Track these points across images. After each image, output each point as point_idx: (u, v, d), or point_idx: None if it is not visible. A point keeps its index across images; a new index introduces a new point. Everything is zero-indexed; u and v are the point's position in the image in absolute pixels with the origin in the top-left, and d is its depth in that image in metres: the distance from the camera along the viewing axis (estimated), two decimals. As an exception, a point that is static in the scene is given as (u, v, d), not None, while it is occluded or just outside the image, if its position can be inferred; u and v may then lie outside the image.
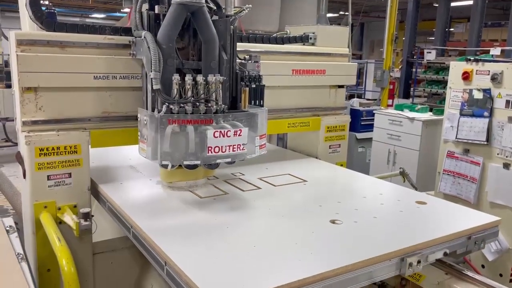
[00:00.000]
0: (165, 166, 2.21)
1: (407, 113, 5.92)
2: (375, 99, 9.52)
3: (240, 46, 2.76)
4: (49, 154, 2.37)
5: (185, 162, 2.17)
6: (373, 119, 6.39)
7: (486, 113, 3.85)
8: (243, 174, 2.87)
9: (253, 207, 2.37)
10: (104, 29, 2.55)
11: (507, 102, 3.73)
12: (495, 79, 3.79)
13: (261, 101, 2.56)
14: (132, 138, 2.65)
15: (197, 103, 2.16)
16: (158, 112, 2.14)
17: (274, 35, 3.36)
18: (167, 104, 2.14)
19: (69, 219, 2.35)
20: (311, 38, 3.36)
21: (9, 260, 1.71)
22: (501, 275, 3.81)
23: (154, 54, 2.16)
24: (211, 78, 2.21)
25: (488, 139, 3.85)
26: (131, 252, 2.80)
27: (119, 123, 2.59)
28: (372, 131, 6.41)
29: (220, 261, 1.74)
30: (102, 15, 23.82)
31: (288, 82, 3.13)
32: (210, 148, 2.10)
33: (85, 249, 2.57)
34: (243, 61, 2.60)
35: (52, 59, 2.33)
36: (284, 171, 2.99)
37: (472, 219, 2.27)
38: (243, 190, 2.60)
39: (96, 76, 2.44)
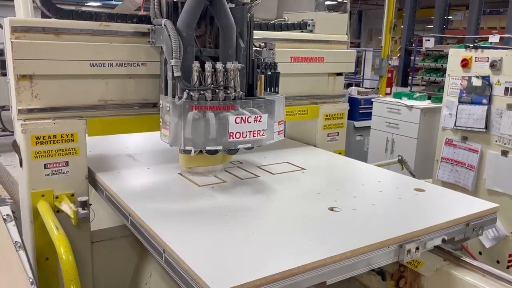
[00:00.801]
0: (188, 152, 2.25)
1: (406, 101, 5.91)
2: (373, 88, 9.50)
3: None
4: (46, 142, 2.35)
5: (207, 148, 2.21)
6: (371, 108, 6.38)
7: (484, 100, 3.84)
8: (241, 163, 2.87)
9: (252, 195, 2.37)
10: (100, 16, 2.51)
11: (506, 89, 3.72)
12: (494, 66, 3.77)
13: (276, 88, 2.58)
14: (129, 126, 2.64)
15: (217, 90, 2.21)
16: (179, 99, 2.17)
17: (272, 22, 3.33)
18: (187, 91, 2.17)
19: (67, 207, 2.34)
20: (309, 25, 3.33)
21: (7, 249, 1.71)
22: (498, 261, 3.84)
23: (175, 42, 2.20)
24: (229, 65, 2.24)
25: (486, 126, 3.84)
26: (130, 241, 2.81)
27: (116, 111, 2.58)
28: (370, 119, 6.40)
29: (219, 249, 1.74)
30: (97, 3, 23.59)
31: (286, 69, 3.09)
32: (231, 134, 2.15)
33: (83, 238, 2.57)
34: (258, 48, 2.63)
35: (47, 46, 2.30)
36: (282, 159, 2.98)
37: (471, 206, 2.27)
38: (241, 179, 2.59)
39: (92, 64, 2.41)
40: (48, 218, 2.24)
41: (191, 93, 2.17)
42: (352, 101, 7.04)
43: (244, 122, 2.17)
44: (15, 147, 2.47)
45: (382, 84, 8.99)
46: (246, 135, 2.19)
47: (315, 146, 3.45)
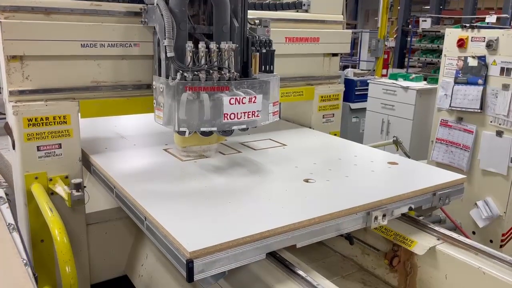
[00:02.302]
0: (183, 133, 2.26)
1: (401, 82, 5.88)
2: (370, 69, 9.45)
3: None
4: (38, 124, 2.33)
5: (201, 129, 2.21)
6: (367, 89, 6.35)
7: (480, 81, 3.83)
8: (226, 140, 2.88)
9: (232, 168, 2.46)
10: (91, -5, 2.46)
11: (502, 69, 3.69)
12: (490, 46, 3.74)
13: (272, 67, 2.57)
14: (123, 108, 2.62)
15: (211, 71, 2.19)
16: (172, 80, 2.15)
17: (267, 1, 3.28)
18: (181, 71, 2.15)
19: (61, 190, 2.34)
20: (304, 4, 3.28)
21: (0, 231, 1.70)
22: (491, 241, 3.88)
23: (168, 21, 2.17)
24: (224, 45, 2.22)
25: (482, 107, 3.84)
26: (125, 223, 2.82)
27: (109, 93, 2.55)
28: (366, 101, 6.38)
29: (196, 216, 1.84)
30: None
31: (281, 50, 3.05)
32: (226, 115, 2.15)
33: (79, 220, 2.58)
34: (253, 26, 2.61)
35: (37, 26, 2.26)
36: (266, 137, 3.07)
37: (438, 177, 2.39)
38: (224, 154, 2.68)
39: (84, 44, 2.38)
40: (42, 200, 2.24)
41: (185, 74, 2.15)
42: (348, 83, 7.00)
43: (239, 103, 2.17)
44: (7, 130, 2.44)
45: (378, 65, 8.94)
46: (241, 116, 2.19)
47: (310, 127, 3.44)
